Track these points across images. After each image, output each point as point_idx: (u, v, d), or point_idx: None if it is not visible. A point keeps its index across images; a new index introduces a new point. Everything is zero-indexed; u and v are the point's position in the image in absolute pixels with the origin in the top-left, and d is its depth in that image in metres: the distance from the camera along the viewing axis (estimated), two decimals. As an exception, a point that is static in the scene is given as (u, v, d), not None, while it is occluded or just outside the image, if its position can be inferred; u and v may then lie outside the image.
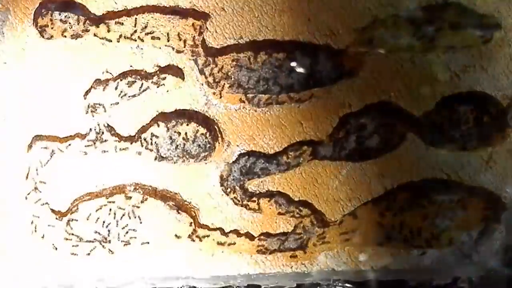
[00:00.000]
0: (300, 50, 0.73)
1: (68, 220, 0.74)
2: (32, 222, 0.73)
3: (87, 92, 0.73)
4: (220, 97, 0.73)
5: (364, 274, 0.74)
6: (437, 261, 0.74)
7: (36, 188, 0.73)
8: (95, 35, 0.72)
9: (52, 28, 0.73)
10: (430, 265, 0.74)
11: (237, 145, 0.73)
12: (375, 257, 0.74)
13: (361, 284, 0.74)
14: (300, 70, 0.72)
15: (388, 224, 0.74)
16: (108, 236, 0.74)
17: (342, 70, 0.73)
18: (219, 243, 0.74)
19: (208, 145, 0.74)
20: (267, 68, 0.73)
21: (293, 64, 0.72)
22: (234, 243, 0.74)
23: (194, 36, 0.73)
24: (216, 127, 0.73)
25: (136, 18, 0.72)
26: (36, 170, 0.73)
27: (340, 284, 0.74)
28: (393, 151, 0.73)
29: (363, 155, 0.74)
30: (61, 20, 0.72)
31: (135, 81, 0.73)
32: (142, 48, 0.72)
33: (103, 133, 0.73)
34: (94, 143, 0.73)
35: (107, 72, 0.72)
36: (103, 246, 0.74)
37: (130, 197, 0.74)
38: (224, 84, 0.73)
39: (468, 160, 0.72)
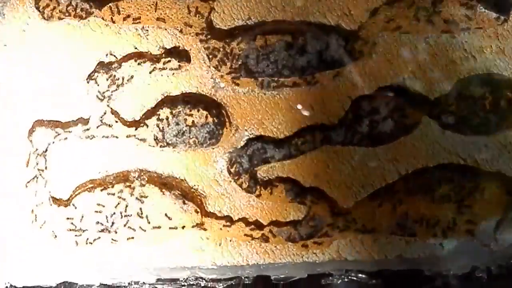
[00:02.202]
0: (311, 32, 0.70)
1: (70, 209, 0.71)
2: (32, 211, 0.70)
3: (90, 75, 0.70)
4: (228, 80, 0.70)
5: (378, 263, 0.71)
6: (454, 251, 0.71)
7: (36, 176, 0.70)
8: (99, 16, 0.70)
9: (54, 9, 0.70)
10: (447, 255, 0.71)
11: (246, 130, 0.70)
12: (389, 246, 0.71)
13: (374, 274, 0.71)
14: (310, 52, 0.70)
15: (402, 212, 0.72)
16: (112, 225, 0.72)
17: (354, 51, 0.70)
18: (227, 232, 0.71)
19: (216, 130, 0.72)
20: (276, 50, 0.71)
21: (304, 46, 0.70)
22: (243, 232, 0.71)
23: (201, 17, 0.71)
24: (223, 111, 0.71)
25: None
26: (37, 156, 0.71)
27: (353, 274, 0.71)
28: (408, 135, 0.70)
29: (377, 139, 0.71)
30: (63, 0, 0.70)
31: (140, 63, 0.70)
32: (147, 30, 0.70)
33: (106, 118, 0.71)
34: (97, 128, 0.71)
35: (111, 54, 0.70)
36: (106, 235, 0.71)
37: (134, 185, 0.72)
38: (232, 66, 0.70)
39: (486, 145, 0.69)
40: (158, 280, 0.71)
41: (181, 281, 0.72)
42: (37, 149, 0.71)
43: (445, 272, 0.70)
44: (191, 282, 0.72)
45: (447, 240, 0.71)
